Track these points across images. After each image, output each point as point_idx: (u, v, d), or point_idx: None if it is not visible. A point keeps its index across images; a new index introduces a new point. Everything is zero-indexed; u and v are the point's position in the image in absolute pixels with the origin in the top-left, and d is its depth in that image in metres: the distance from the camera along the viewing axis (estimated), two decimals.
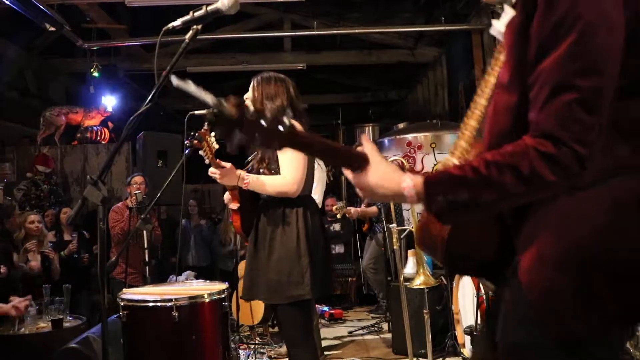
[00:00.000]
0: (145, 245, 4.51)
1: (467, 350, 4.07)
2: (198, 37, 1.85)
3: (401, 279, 3.83)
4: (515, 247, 1.22)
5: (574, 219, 1.11)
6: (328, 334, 5.68)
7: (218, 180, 2.69)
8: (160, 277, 5.32)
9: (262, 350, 4.74)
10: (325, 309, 6.47)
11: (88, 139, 7.96)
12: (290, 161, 2.55)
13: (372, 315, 6.54)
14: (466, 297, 4.12)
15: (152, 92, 1.65)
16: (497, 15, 1.33)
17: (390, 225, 3.97)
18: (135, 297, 2.75)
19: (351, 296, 7.40)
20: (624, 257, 1.08)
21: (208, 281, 3.29)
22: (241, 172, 2.64)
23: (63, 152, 7.66)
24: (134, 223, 4.70)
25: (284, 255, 2.61)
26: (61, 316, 3.87)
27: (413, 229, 3.82)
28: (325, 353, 4.94)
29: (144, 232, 4.52)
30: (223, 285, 2.93)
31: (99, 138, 8.03)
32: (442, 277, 4.40)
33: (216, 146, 2.63)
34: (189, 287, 3.07)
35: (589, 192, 1.10)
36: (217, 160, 2.65)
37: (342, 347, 5.25)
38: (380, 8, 7.96)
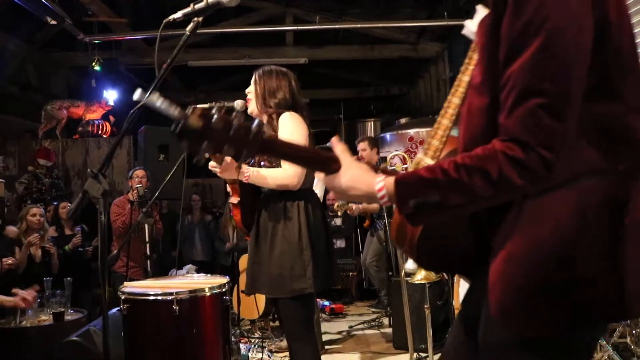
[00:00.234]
0: (147, 239, 4.52)
1: None
2: (199, 31, 1.85)
3: (402, 274, 3.83)
4: (489, 246, 1.23)
5: (541, 219, 1.12)
6: (329, 328, 5.68)
7: (218, 175, 2.68)
8: (161, 271, 5.33)
9: (262, 344, 4.74)
10: (326, 303, 6.48)
11: (89, 132, 7.96)
12: None
13: (373, 310, 6.55)
14: None
15: (152, 85, 1.64)
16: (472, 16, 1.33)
17: (392, 221, 3.96)
18: (136, 291, 2.75)
19: (352, 291, 7.40)
20: (585, 257, 1.09)
21: (209, 275, 3.30)
22: (240, 167, 2.63)
23: (64, 146, 7.67)
24: (135, 217, 4.70)
25: (286, 249, 2.60)
26: (62, 309, 3.89)
27: None
28: (326, 347, 4.94)
29: (146, 225, 4.52)
30: (224, 279, 2.93)
31: (100, 132, 8.03)
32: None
33: None
34: (189, 281, 3.07)
35: (557, 194, 1.11)
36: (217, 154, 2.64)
37: (342, 342, 5.26)
38: (382, 3, 7.94)
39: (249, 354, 4.54)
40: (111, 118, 8.21)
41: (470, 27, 1.33)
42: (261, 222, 2.70)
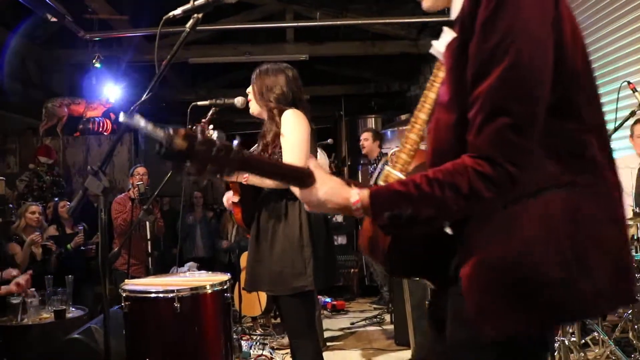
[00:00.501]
0: (148, 237, 4.51)
1: None
2: (200, 27, 1.84)
3: None
4: (456, 253, 1.30)
5: (511, 228, 1.19)
6: (330, 325, 5.69)
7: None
8: (162, 268, 5.33)
9: (264, 341, 4.75)
10: (328, 300, 6.48)
11: (90, 130, 7.95)
12: (292, 152, 2.52)
13: (375, 306, 6.55)
14: None
15: (152, 82, 1.64)
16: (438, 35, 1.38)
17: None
18: (137, 288, 2.75)
19: (353, 287, 7.40)
20: (551, 262, 1.16)
21: (210, 272, 3.29)
22: None
23: (65, 144, 7.66)
24: (136, 214, 4.70)
25: (287, 247, 2.60)
26: (64, 307, 3.88)
27: None
28: (328, 344, 4.95)
29: (147, 223, 4.51)
30: (225, 277, 2.93)
31: (101, 129, 8.02)
32: None
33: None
34: (191, 278, 3.07)
35: (524, 204, 1.19)
36: None
37: (344, 339, 5.26)
38: None
39: (251, 351, 4.54)
40: (112, 115, 8.20)
41: (438, 47, 1.39)
42: (262, 220, 2.70)
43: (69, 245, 5.39)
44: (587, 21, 5.39)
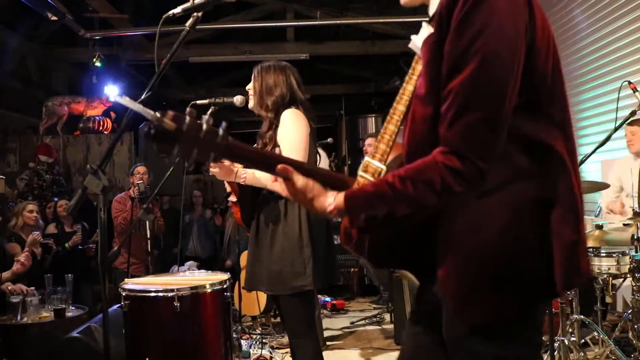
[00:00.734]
0: (148, 236, 4.51)
1: None
2: (200, 26, 1.84)
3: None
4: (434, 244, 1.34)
5: (482, 219, 1.26)
6: (330, 324, 5.68)
7: (217, 177, 2.66)
8: (163, 268, 5.33)
9: (264, 341, 4.74)
10: (328, 299, 6.48)
11: (90, 129, 7.95)
12: (289, 152, 2.52)
13: (374, 306, 6.54)
14: None
15: (152, 81, 1.64)
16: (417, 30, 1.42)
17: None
18: (137, 287, 2.75)
19: (353, 287, 7.39)
20: (523, 250, 1.24)
21: (210, 271, 3.29)
22: (238, 169, 2.61)
23: (65, 142, 7.66)
24: (136, 213, 4.69)
25: (286, 246, 2.60)
26: (64, 306, 3.89)
27: None
28: (327, 343, 4.95)
29: (147, 222, 4.51)
30: (225, 276, 2.92)
31: (101, 128, 8.03)
32: None
33: None
34: (190, 278, 3.07)
35: (493, 197, 1.25)
36: None
37: (344, 338, 5.26)
38: None
39: (251, 350, 4.54)
40: (112, 114, 8.20)
41: (416, 41, 1.43)
42: (261, 219, 2.69)
43: (66, 244, 5.39)
44: (587, 21, 5.39)
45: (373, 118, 9.51)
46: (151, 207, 4.36)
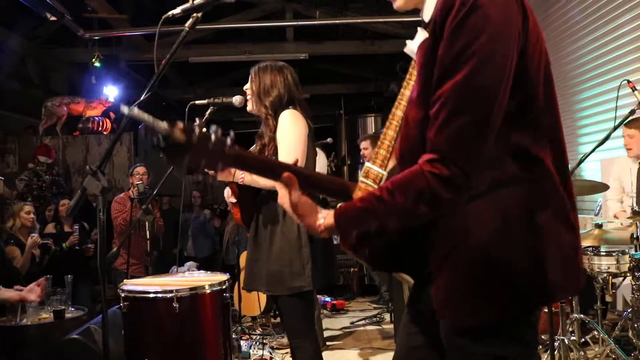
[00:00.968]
0: (148, 236, 4.50)
1: None
2: (199, 26, 1.83)
3: None
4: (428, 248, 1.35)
5: (472, 223, 1.26)
6: (330, 324, 5.69)
7: (216, 177, 2.66)
8: (162, 268, 5.32)
9: (264, 341, 4.74)
10: (328, 299, 6.48)
11: (90, 129, 7.95)
12: (287, 153, 2.51)
13: (374, 306, 6.55)
14: None
15: (151, 82, 1.63)
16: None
17: None
18: (136, 288, 2.75)
19: (353, 287, 7.40)
20: (513, 254, 1.25)
21: (209, 272, 3.29)
22: (236, 169, 2.60)
23: (65, 143, 7.66)
24: (136, 214, 4.69)
25: (285, 247, 2.59)
26: (63, 307, 3.88)
27: None
28: (327, 343, 4.95)
29: (146, 222, 4.50)
30: (224, 276, 2.92)
31: (100, 128, 8.02)
32: None
33: None
34: (190, 278, 3.06)
35: (483, 201, 1.26)
36: None
37: (343, 338, 5.26)
38: None
39: (250, 350, 4.54)
40: (111, 115, 8.20)
41: (412, 46, 1.43)
42: (260, 220, 2.69)
43: (64, 245, 5.39)
44: (587, 20, 5.39)
45: (372, 118, 9.51)
46: (151, 208, 4.35)
